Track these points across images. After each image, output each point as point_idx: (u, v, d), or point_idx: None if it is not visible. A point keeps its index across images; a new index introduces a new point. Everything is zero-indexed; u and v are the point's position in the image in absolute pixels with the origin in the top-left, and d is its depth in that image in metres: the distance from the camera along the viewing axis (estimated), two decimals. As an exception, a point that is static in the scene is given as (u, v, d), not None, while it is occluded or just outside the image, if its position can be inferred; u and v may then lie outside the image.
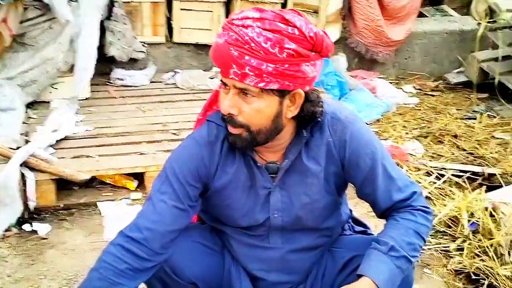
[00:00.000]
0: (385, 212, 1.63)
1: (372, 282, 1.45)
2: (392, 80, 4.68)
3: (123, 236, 1.54)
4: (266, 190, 1.60)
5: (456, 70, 4.74)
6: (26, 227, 2.65)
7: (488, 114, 4.13)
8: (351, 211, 1.89)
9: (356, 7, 4.29)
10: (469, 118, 4.08)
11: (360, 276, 1.48)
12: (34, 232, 2.64)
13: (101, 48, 3.74)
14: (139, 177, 2.97)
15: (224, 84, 1.46)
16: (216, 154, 1.58)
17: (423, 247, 1.59)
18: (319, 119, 1.54)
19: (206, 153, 1.58)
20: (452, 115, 4.13)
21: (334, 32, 4.31)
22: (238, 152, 1.59)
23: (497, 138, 3.79)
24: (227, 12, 4.14)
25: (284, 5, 4.20)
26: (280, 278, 1.72)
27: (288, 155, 1.57)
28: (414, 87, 4.65)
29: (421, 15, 5.15)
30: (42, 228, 2.65)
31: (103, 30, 3.75)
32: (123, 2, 3.85)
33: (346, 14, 4.40)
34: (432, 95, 4.53)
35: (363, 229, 1.86)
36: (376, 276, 1.46)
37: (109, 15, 3.78)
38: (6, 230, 2.60)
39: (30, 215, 2.72)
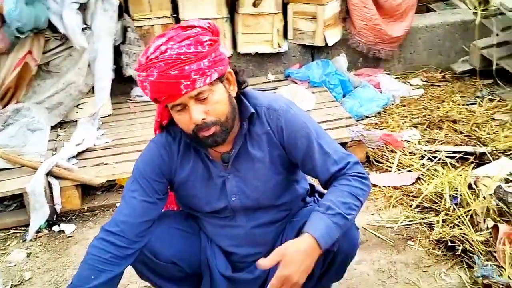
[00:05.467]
0: (327, 184, 1.85)
1: (311, 236, 1.67)
2: (399, 75, 4.82)
3: (103, 230, 1.84)
4: (221, 179, 1.88)
5: (461, 59, 4.82)
6: (55, 228, 3.04)
7: (489, 98, 4.19)
8: (313, 185, 2.14)
9: (353, 9, 4.47)
10: (471, 104, 4.17)
11: (303, 233, 1.73)
12: (62, 231, 3.02)
13: (120, 69, 4.15)
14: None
15: (176, 108, 1.69)
16: (174, 153, 1.88)
17: (360, 207, 1.79)
18: (252, 111, 1.80)
19: (165, 153, 1.87)
20: (455, 102, 4.21)
21: (334, 35, 4.54)
22: (193, 150, 1.88)
23: (497, 120, 3.88)
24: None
25: (284, 14, 4.50)
26: (249, 251, 1.99)
27: (234, 145, 1.85)
28: (421, 79, 4.75)
29: (430, 10, 5.30)
30: (68, 228, 3.03)
31: (120, 53, 4.15)
32: (136, 27, 4.23)
33: (345, 16, 4.58)
34: (439, 86, 4.61)
35: (327, 200, 2.10)
36: (314, 231, 1.68)
37: (124, 40, 4.16)
38: (38, 231, 3.00)
39: (58, 217, 3.11)
